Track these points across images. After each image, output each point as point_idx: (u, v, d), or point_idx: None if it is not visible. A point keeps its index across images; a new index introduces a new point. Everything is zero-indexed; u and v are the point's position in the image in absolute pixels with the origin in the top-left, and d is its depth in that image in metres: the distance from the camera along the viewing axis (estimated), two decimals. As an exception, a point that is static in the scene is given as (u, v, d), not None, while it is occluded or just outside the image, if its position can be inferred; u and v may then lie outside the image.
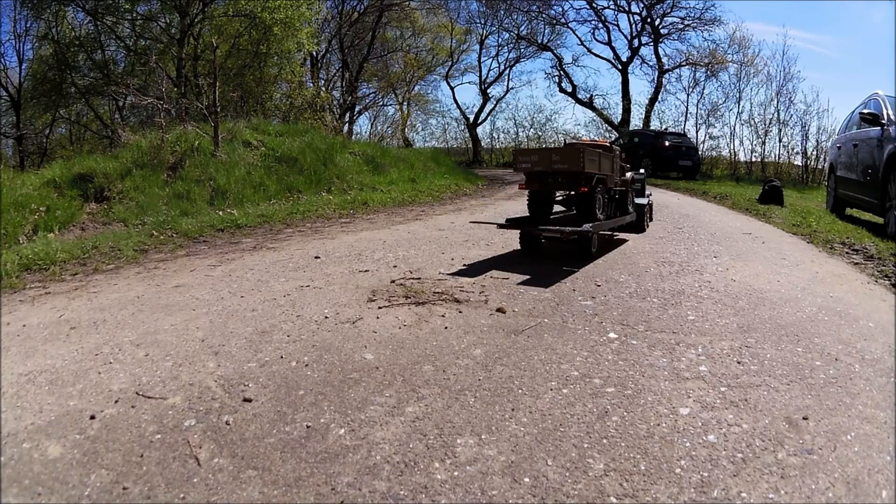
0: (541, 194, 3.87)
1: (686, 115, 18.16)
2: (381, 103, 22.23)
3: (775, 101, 16.41)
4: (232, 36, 11.35)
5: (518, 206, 6.44)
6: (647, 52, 19.04)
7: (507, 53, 22.14)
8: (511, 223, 3.82)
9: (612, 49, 19.39)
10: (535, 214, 3.91)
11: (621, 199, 4.34)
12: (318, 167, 7.71)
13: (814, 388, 1.67)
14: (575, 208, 3.98)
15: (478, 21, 21.64)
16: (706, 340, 2.08)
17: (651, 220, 5.16)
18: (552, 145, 16.88)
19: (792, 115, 16.23)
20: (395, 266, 3.35)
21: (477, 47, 22.44)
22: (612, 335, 2.13)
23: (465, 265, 3.39)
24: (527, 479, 1.23)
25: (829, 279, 3.17)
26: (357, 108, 19.84)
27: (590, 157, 3.51)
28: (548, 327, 2.22)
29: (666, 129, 16.65)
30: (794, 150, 16.09)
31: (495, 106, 23.01)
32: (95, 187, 5.48)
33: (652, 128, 17.03)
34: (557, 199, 4.16)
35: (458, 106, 24.12)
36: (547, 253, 3.87)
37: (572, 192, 3.93)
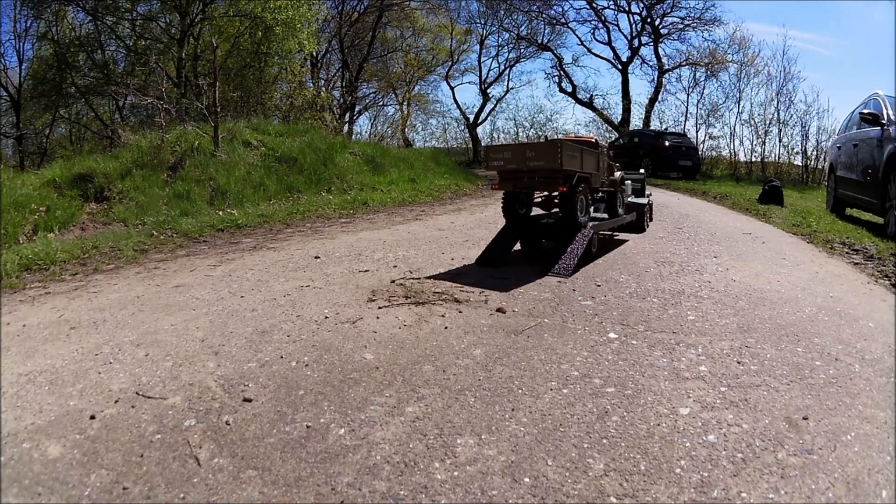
0: (517, 195, 3.57)
1: (686, 115, 18.14)
2: (381, 103, 22.23)
3: (775, 101, 16.39)
4: (232, 36, 11.35)
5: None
6: (647, 52, 19.04)
7: (507, 53, 22.15)
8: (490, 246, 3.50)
9: (612, 49, 19.40)
10: (511, 218, 3.61)
11: (609, 200, 4.02)
12: (318, 167, 7.71)
13: (814, 388, 1.67)
14: (559, 210, 3.54)
15: (478, 21, 21.66)
16: (706, 340, 2.08)
17: (651, 220, 5.16)
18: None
19: (792, 115, 16.21)
20: (395, 266, 3.35)
21: (477, 47, 22.45)
22: (612, 335, 2.13)
23: (465, 265, 3.39)
24: (527, 479, 1.23)
25: (829, 279, 3.17)
26: (357, 108, 19.83)
27: (569, 152, 3.16)
28: (548, 327, 2.22)
29: (666, 129, 16.63)
30: (794, 150, 16.08)
31: (495, 106, 23.03)
32: (95, 187, 5.48)
33: (652, 128, 17.03)
34: (536, 200, 3.81)
35: (458, 106, 24.12)
36: (547, 253, 3.87)
37: (552, 193, 3.63)
